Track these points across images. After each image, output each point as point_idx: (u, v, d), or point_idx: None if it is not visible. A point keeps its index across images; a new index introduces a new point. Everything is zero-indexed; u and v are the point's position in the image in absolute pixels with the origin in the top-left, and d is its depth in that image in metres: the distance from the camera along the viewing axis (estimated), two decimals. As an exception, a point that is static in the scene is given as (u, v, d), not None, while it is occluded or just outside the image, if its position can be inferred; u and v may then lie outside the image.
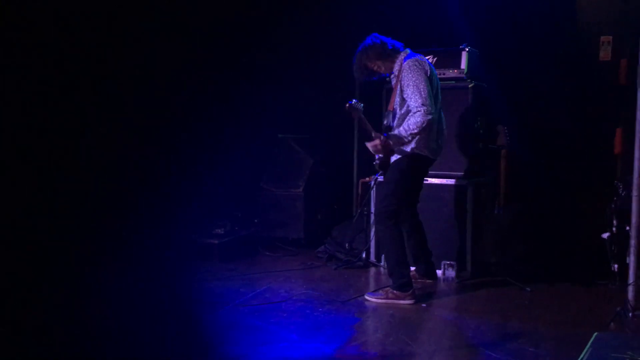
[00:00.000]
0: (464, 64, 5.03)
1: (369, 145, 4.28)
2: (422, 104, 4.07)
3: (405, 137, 4.16)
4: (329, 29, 5.80)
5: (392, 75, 4.37)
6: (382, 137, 4.23)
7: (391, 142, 4.24)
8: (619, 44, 5.29)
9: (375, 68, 4.40)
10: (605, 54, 5.33)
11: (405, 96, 4.18)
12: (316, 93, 5.99)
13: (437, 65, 5.10)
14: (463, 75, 5.03)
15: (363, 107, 4.19)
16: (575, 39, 5.47)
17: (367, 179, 5.53)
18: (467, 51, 5.03)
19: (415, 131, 4.11)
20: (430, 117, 4.07)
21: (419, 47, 5.02)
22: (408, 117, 4.17)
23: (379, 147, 4.25)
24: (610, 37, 5.31)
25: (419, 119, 4.08)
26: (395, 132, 4.21)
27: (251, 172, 6.17)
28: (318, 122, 4.12)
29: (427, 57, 5.12)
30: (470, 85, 4.99)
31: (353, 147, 6.14)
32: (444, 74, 5.07)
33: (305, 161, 6.15)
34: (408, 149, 4.24)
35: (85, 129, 2.19)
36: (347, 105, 4.15)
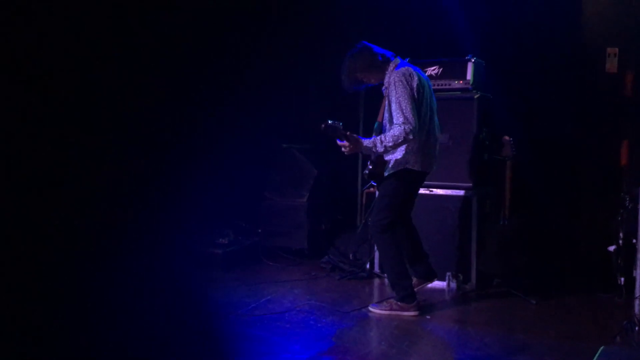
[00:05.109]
0: (469, 75, 5.02)
1: (340, 143, 4.18)
2: (403, 122, 4.02)
3: (378, 146, 4.08)
4: (333, 39, 5.80)
5: (384, 87, 4.30)
6: (353, 137, 4.13)
7: (362, 145, 4.16)
8: (625, 56, 5.28)
9: (364, 79, 4.30)
10: (611, 65, 5.31)
11: (392, 111, 4.14)
12: (320, 102, 5.99)
13: (443, 75, 5.10)
14: (469, 86, 5.01)
15: (342, 125, 4.06)
16: (581, 51, 5.45)
17: (371, 189, 5.51)
18: (473, 62, 5.02)
19: (390, 144, 4.05)
20: (409, 135, 4.00)
21: (424, 58, 5.03)
22: (388, 129, 4.15)
23: (348, 147, 4.16)
24: (617, 49, 5.29)
25: (396, 133, 4.02)
26: (372, 139, 4.15)
27: (255, 182, 6.15)
28: (323, 132, 4.15)
29: (432, 67, 5.13)
30: (476, 96, 4.98)
31: (357, 158, 6.13)
32: (449, 85, 5.06)
33: (310, 171, 6.13)
34: (402, 165, 4.20)
35: (89, 136, 2.18)
36: (323, 126, 4.01)
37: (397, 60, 4.27)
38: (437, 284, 4.72)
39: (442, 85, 5.05)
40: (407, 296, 4.24)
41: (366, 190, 5.75)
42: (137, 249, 2.46)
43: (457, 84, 5.06)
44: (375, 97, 4.56)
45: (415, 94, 4.09)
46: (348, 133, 4.12)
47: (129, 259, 2.33)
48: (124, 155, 2.26)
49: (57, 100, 1.89)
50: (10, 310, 1.76)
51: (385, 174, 4.29)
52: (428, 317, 4.23)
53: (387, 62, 4.25)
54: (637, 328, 3.84)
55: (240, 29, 5.60)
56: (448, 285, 4.91)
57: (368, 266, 5.38)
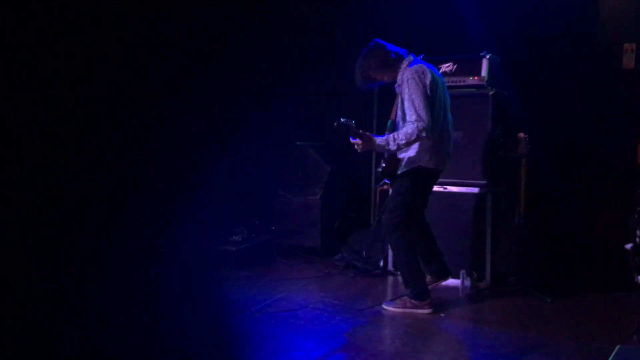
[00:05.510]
0: (484, 72, 4.97)
1: (353, 141, 4.19)
2: (416, 120, 4.00)
3: (391, 144, 4.08)
4: (345, 36, 5.78)
5: (397, 85, 4.28)
6: (366, 135, 4.14)
7: (375, 143, 4.16)
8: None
9: (377, 77, 4.29)
10: (628, 61, 5.24)
11: (405, 108, 4.12)
12: (334, 100, 5.98)
13: (457, 72, 5.06)
14: (483, 83, 4.97)
15: (355, 123, 4.06)
16: (598, 46, 5.39)
17: (385, 187, 5.49)
18: (488, 58, 4.97)
19: (402, 141, 4.05)
20: (422, 132, 4.00)
21: (438, 54, 4.99)
22: (401, 127, 4.14)
23: (361, 145, 4.17)
24: (634, 45, 5.23)
25: (409, 130, 4.01)
26: (384, 136, 4.15)
27: (268, 179, 6.15)
28: (336, 129, 4.14)
29: (446, 64, 5.10)
30: (490, 93, 4.93)
31: (371, 155, 6.11)
32: (464, 81, 5.03)
33: (323, 168, 6.12)
34: (415, 163, 4.18)
35: (97, 132, 2.18)
36: (336, 124, 4.01)
37: (410, 58, 4.25)
38: (451, 281, 4.69)
39: (456, 82, 5.01)
40: (420, 294, 4.22)
41: (379, 188, 5.73)
42: (146, 247, 2.46)
43: (471, 80, 5.02)
44: (389, 95, 4.54)
45: (429, 91, 4.07)
46: (361, 131, 4.12)
47: (138, 256, 2.33)
48: (131, 154, 2.25)
49: (57, 100, 1.89)
50: (10, 310, 1.76)
51: (399, 172, 4.27)
52: (442, 315, 4.21)
53: (400, 59, 4.23)
54: (654, 327, 3.79)
55: (252, 25, 5.59)
56: (462, 283, 4.87)
57: (382, 264, 5.37)
